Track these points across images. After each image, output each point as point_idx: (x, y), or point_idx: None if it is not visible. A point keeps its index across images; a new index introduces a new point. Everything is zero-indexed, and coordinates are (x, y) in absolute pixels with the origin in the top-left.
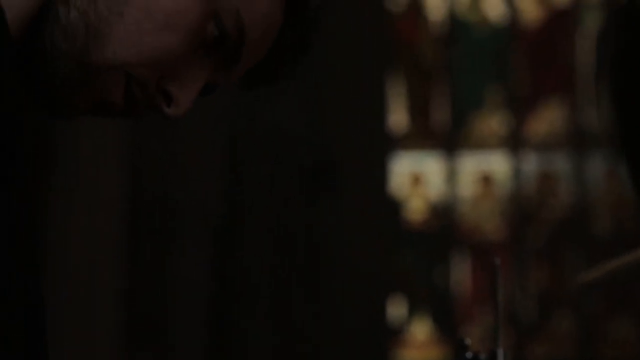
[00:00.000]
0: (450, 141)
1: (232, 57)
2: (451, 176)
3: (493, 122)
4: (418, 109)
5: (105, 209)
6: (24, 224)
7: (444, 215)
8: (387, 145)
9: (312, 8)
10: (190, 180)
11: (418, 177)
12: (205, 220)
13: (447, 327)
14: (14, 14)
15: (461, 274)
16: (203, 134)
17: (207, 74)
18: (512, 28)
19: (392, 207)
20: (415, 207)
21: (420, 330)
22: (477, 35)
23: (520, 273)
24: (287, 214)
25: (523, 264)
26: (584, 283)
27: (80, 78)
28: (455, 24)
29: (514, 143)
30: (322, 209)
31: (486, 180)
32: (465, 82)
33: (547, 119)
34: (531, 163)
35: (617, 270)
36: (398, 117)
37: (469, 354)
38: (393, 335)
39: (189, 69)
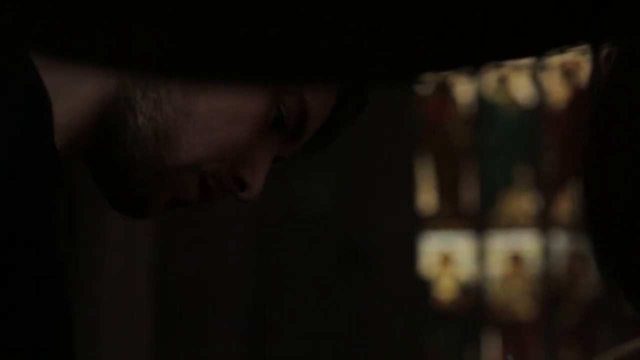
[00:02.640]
0: (479, 221)
1: (296, 132)
2: (481, 255)
3: (522, 202)
4: (447, 190)
5: (135, 293)
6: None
7: (474, 294)
8: (417, 225)
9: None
10: (222, 264)
11: (448, 257)
12: (237, 304)
13: None
14: (71, 127)
15: (491, 353)
16: (235, 217)
17: (274, 152)
18: (540, 109)
19: (423, 287)
20: (445, 287)
21: None
22: (505, 116)
23: (550, 353)
24: (318, 295)
25: (553, 344)
26: None
27: (155, 182)
28: (483, 106)
29: (544, 223)
30: (354, 291)
31: (516, 259)
32: (493, 163)
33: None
34: (561, 242)
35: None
36: (427, 197)
37: None
38: None
39: (256, 151)
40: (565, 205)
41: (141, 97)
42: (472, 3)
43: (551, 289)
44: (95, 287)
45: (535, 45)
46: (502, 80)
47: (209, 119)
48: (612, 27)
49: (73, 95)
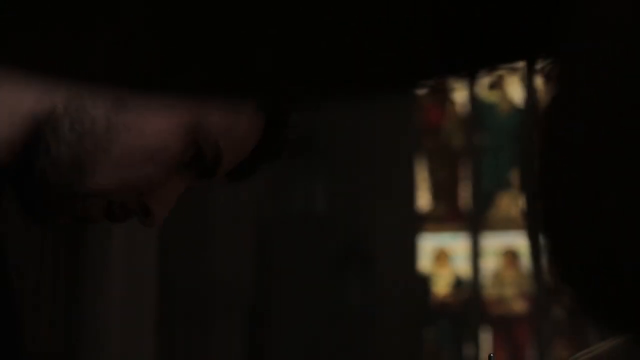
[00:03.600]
0: (475, 221)
1: (208, 173)
2: (476, 253)
3: (518, 203)
4: (445, 190)
5: (138, 291)
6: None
7: (470, 291)
8: (415, 225)
9: (287, 130)
10: (221, 264)
11: (445, 255)
12: (236, 303)
13: None
14: (2, 138)
15: (487, 347)
16: (236, 217)
17: (184, 186)
18: (535, 110)
19: (421, 284)
20: (443, 284)
21: None
22: (502, 118)
23: (543, 347)
24: (318, 293)
25: (547, 338)
26: None
27: (63, 203)
28: (480, 108)
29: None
30: (353, 288)
31: (510, 255)
32: (490, 164)
33: None
34: None
35: (609, 353)
36: (425, 198)
37: None
38: None
39: (166, 185)
40: None
41: (68, 129)
42: (471, 7)
43: (544, 284)
44: (99, 286)
45: (531, 48)
46: (499, 82)
47: (125, 157)
48: (555, 42)
49: (10, 110)
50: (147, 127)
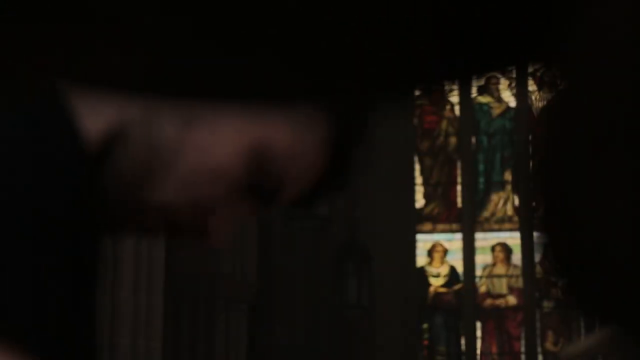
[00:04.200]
0: (472, 220)
1: (268, 199)
2: (470, 250)
3: (512, 201)
4: (442, 190)
5: (148, 287)
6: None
7: (466, 285)
8: (412, 224)
9: (354, 156)
10: (227, 259)
11: (440, 252)
12: (241, 297)
13: None
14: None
15: (482, 338)
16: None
17: (245, 211)
18: (529, 111)
19: (417, 279)
20: (439, 279)
21: None
22: (498, 119)
23: (535, 338)
24: (318, 290)
25: (537, 329)
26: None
27: (127, 213)
28: (477, 109)
29: (530, 219)
30: (352, 283)
31: (503, 251)
32: (487, 164)
33: None
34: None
35: (597, 345)
36: (423, 197)
37: None
38: None
39: (227, 208)
40: None
41: (138, 143)
42: (471, 13)
43: (535, 276)
44: (112, 284)
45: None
46: (493, 84)
47: (191, 175)
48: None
49: (95, 116)
50: (215, 147)
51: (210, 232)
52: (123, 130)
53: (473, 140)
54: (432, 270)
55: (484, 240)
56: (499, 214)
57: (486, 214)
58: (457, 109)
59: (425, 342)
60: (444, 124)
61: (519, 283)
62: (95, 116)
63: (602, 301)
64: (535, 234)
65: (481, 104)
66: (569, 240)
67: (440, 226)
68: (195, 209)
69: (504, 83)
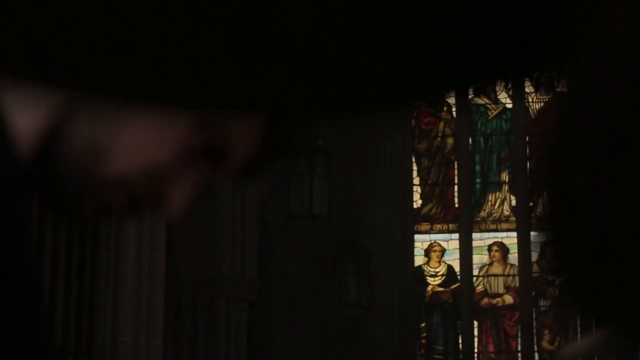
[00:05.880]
0: (469, 219)
1: (219, 160)
2: (467, 249)
3: (509, 201)
4: (440, 190)
5: (151, 285)
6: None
7: (463, 284)
8: (412, 224)
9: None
10: (226, 257)
11: (438, 252)
12: (241, 296)
13: None
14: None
15: (478, 336)
16: (237, 217)
17: (199, 177)
18: (527, 113)
19: (415, 279)
20: (436, 278)
21: None
22: (495, 119)
23: (531, 337)
24: (318, 289)
25: (534, 328)
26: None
27: (82, 193)
28: (473, 110)
29: (528, 217)
30: (351, 283)
31: (500, 251)
32: (484, 165)
33: None
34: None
35: (594, 345)
36: (421, 197)
37: None
38: None
39: (182, 174)
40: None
41: (82, 120)
42: (473, 20)
43: (532, 275)
44: (114, 279)
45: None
46: (490, 86)
47: (138, 143)
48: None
49: (31, 108)
50: (161, 112)
51: (168, 202)
52: (63, 116)
53: (470, 141)
54: (429, 269)
55: (481, 240)
56: (496, 214)
57: (483, 214)
58: (454, 110)
59: (423, 341)
60: (441, 125)
61: (516, 282)
62: (30, 111)
63: (601, 300)
64: (532, 233)
65: (478, 105)
66: (569, 239)
67: (438, 226)
68: (148, 177)
69: (500, 84)
